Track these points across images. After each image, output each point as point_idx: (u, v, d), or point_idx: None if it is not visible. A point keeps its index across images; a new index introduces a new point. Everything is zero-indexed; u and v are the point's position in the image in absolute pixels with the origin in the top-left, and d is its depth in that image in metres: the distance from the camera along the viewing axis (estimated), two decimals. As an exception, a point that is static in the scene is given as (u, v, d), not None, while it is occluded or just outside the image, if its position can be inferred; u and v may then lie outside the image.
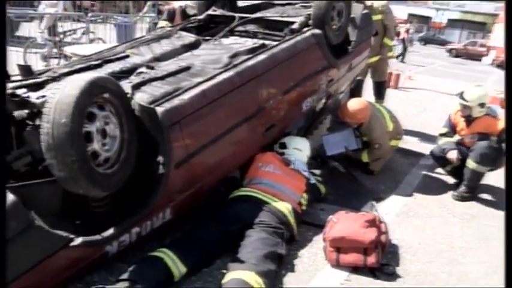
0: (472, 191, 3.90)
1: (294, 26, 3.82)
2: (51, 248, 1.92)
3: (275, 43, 3.47)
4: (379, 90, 6.01)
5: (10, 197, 1.80)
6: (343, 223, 2.69)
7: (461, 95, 3.87)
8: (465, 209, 3.72)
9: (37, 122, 2.23)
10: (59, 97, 1.85)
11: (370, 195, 3.74)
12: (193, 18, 4.48)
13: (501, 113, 3.86)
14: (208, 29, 4.32)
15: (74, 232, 2.08)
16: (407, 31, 18.99)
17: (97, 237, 2.12)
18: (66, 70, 2.94)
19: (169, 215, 2.57)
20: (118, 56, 3.35)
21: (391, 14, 5.65)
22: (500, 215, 3.67)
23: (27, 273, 1.83)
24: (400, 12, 26.47)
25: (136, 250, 2.44)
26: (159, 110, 2.34)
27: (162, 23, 5.60)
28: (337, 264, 2.60)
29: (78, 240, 2.02)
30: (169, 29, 4.08)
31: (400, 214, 3.49)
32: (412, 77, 11.37)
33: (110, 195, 2.26)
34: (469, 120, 3.92)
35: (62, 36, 8.09)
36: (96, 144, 2.03)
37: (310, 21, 3.84)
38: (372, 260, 2.55)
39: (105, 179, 2.04)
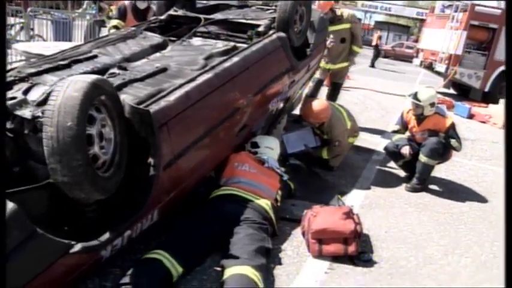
0: (423, 182, 4.27)
1: (260, 29, 3.93)
2: (53, 256, 1.87)
3: (245, 45, 3.56)
4: (334, 91, 6.29)
5: (10, 204, 1.73)
6: (323, 216, 2.86)
7: (414, 96, 4.21)
8: (418, 199, 4.08)
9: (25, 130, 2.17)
10: (62, 99, 1.81)
11: (334, 189, 3.97)
12: (154, 18, 4.43)
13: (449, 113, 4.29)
14: (170, 29, 4.30)
15: (64, 238, 2.04)
16: (379, 38, 20.16)
17: (94, 242, 2.08)
18: (33, 70, 2.82)
19: (157, 216, 2.57)
20: (86, 55, 3.26)
21: (359, 24, 6.02)
22: (448, 203, 4.07)
23: (30, 283, 1.77)
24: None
25: (124, 253, 2.42)
26: (151, 111, 2.34)
27: (114, 22, 5.43)
28: (320, 255, 2.77)
29: (78, 247, 1.98)
30: (133, 28, 4.01)
31: (364, 206, 3.75)
32: (350, 76, 11.97)
33: (99, 199, 2.23)
34: (420, 118, 4.29)
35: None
36: (96, 147, 2.00)
37: (274, 24, 3.98)
38: (352, 248, 2.74)
39: (104, 182, 2.02)
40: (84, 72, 2.91)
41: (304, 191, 3.81)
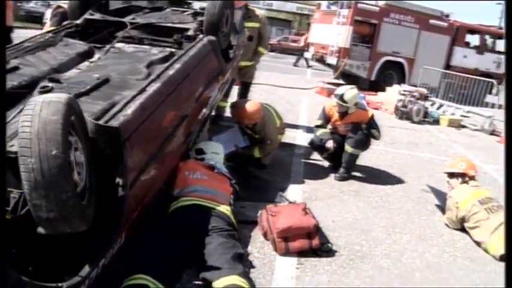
0: (349, 171, 4.65)
1: (190, 33, 3.87)
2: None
3: (181, 51, 3.48)
4: (244, 91, 6.42)
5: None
6: (284, 215, 2.97)
7: (340, 97, 4.50)
8: (349, 187, 4.43)
9: None
10: (39, 125, 1.60)
11: (273, 187, 4.11)
12: (68, 22, 4.06)
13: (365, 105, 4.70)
14: (87, 34, 4.00)
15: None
16: (306, 39, 20.58)
17: (77, 279, 1.91)
18: None
19: (124, 237, 2.43)
20: (6, 67, 2.89)
21: (267, 25, 6.12)
22: (374, 188, 4.50)
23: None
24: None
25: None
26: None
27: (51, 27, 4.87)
28: (287, 252, 2.88)
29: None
30: (49, 35, 3.64)
31: (305, 199, 3.94)
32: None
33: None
34: (343, 113, 4.63)
35: None
36: (75, 174, 1.82)
37: (202, 28, 3.95)
38: (315, 241, 2.91)
39: (86, 212, 1.85)
40: (12, 87, 2.60)
41: (246, 191, 3.86)
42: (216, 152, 3.58)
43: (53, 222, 1.66)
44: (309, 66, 17.16)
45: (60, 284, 1.77)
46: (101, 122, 2.27)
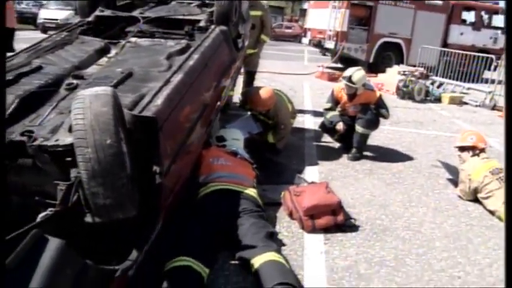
0: (361, 151, 4.77)
1: (201, 24, 3.94)
2: (105, 285, 1.79)
3: (198, 42, 3.56)
4: (249, 79, 6.51)
5: (54, 241, 1.63)
6: (309, 194, 3.09)
7: (349, 79, 4.59)
8: (362, 166, 4.56)
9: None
10: (92, 117, 1.71)
11: (290, 170, 4.23)
12: (80, 20, 4.13)
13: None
14: (99, 30, 4.07)
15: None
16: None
17: (127, 263, 2.03)
18: None
19: (160, 224, 2.55)
20: (30, 67, 2.98)
21: (269, 13, 6.18)
22: (386, 165, 4.62)
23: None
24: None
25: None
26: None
27: None
28: (313, 229, 3.00)
29: (119, 271, 1.92)
30: (66, 33, 3.71)
31: (321, 180, 4.06)
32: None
33: None
34: (352, 94, 4.73)
35: None
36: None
37: (213, 18, 4.02)
38: (340, 217, 3.04)
39: (135, 198, 1.96)
40: (40, 86, 2.70)
41: (264, 175, 3.98)
42: (236, 138, 3.70)
43: (109, 209, 1.77)
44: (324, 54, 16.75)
45: (117, 267, 1.89)
46: (134, 113, 2.37)
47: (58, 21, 18.69)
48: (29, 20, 20.01)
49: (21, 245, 1.54)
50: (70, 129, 2.04)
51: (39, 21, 19.37)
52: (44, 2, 22.15)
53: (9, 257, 1.49)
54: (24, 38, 11.87)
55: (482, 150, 4.05)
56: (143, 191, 2.36)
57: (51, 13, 19.22)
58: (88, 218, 2.02)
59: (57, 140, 2.06)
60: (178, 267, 2.28)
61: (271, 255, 2.39)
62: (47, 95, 2.68)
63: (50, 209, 2.00)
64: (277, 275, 2.23)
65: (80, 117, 1.73)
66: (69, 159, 2.01)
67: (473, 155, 4.01)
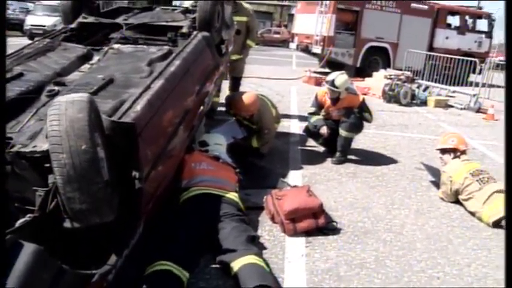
0: (345, 154, 4.82)
1: (184, 30, 3.97)
2: (81, 289, 1.80)
3: (180, 48, 3.58)
4: (235, 85, 6.53)
5: (30, 246, 1.64)
6: (290, 198, 3.12)
7: (332, 83, 4.64)
8: (346, 170, 4.60)
9: None
10: (67, 123, 1.72)
11: (274, 174, 4.25)
12: (63, 27, 4.13)
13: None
14: (82, 37, 4.08)
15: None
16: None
17: (106, 267, 2.03)
18: None
19: (141, 229, 2.55)
20: (11, 74, 2.98)
21: (255, 18, 6.22)
22: (370, 169, 4.67)
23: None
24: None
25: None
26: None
27: None
28: (295, 233, 3.03)
29: (96, 276, 1.92)
30: (47, 40, 3.71)
31: (305, 184, 4.09)
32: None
33: None
34: (335, 99, 4.78)
35: None
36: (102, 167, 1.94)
37: (195, 24, 4.05)
38: (322, 221, 3.07)
39: (113, 202, 1.97)
40: (20, 93, 2.70)
41: (248, 180, 4.00)
42: (219, 143, 3.71)
43: (85, 213, 1.78)
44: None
45: (94, 271, 1.90)
46: (113, 119, 2.38)
47: (45, 27, 18.65)
48: (16, 26, 19.85)
49: (-5, 252, 1.55)
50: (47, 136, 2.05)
51: (26, 27, 19.27)
52: (31, 8, 22.02)
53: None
54: (11, 45, 11.74)
55: (463, 152, 4.11)
56: (123, 196, 2.38)
57: (38, 19, 19.15)
58: (67, 223, 2.03)
59: (34, 147, 2.06)
60: (158, 271, 2.29)
61: (251, 258, 2.41)
62: (28, 101, 2.69)
63: (28, 215, 2.02)
64: (256, 277, 2.25)
65: (55, 124, 1.74)
66: (47, 165, 2.03)
67: (455, 157, 4.08)
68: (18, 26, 19.87)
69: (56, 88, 2.83)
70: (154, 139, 2.70)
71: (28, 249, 1.63)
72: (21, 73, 3.04)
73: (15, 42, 14.42)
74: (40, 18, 19.18)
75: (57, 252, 2.12)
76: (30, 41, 13.28)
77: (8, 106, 2.50)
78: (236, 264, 2.38)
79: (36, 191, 2.08)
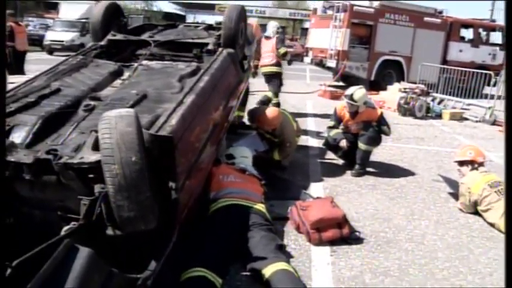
0: (364, 167, 4.92)
1: (210, 47, 4.15)
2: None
3: (207, 64, 3.75)
4: (244, 98, 6.63)
5: (84, 250, 1.78)
6: (315, 208, 3.24)
7: (350, 97, 4.78)
8: (366, 182, 4.69)
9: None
10: (118, 136, 1.87)
11: (296, 186, 4.37)
12: (93, 44, 4.34)
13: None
14: (111, 54, 4.28)
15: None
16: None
17: (147, 272, 2.16)
18: None
19: (175, 237, 2.69)
20: (50, 90, 3.17)
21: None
22: (388, 181, 4.76)
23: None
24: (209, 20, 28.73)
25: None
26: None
27: None
28: (320, 242, 3.13)
29: (140, 280, 2.06)
30: (81, 57, 3.92)
31: (326, 195, 4.20)
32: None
33: None
34: (354, 112, 4.90)
35: None
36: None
37: (220, 41, 4.23)
38: (346, 230, 3.17)
39: (156, 211, 2.11)
40: (60, 107, 2.88)
41: (271, 191, 4.13)
42: (244, 155, 3.85)
43: (133, 221, 1.92)
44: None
45: (138, 276, 2.03)
46: (151, 132, 2.54)
47: (64, 42, 19.19)
48: (35, 42, 20.43)
49: (55, 254, 1.70)
50: (94, 148, 2.21)
51: (45, 42, 19.86)
52: (50, 24, 22.67)
53: (45, 265, 1.65)
54: (32, 60, 12.20)
55: (481, 164, 4.19)
56: (160, 206, 2.52)
57: (57, 35, 19.77)
58: (109, 231, 2.17)
59: (81, 158, 2.22)
60: (193, 277, 2.41)
61: (282, 265, 2.52)
62: (67, 115, 2.86)
63: (73, 223, 2.16)
64: (289, 283, 2.37)
65: (107, 137, 1.90)
66: (92, 175, 2.18)
67: (473, 169, 4.15)
68: (37, 42, 20.45)
69: (92, 103, 3.00)
70: (187, 152, 2.84)
71: (83, 252, 1.77)
72: (59, 88, 3.22)
73: (35, 57, 14.90)
74: (59, 34, 19.79)
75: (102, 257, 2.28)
76: (49, 56, 13.77)
77: (49, 120, 2.69)
78: (267, 271, 2.49)
79: (81, 199, 2.22)
